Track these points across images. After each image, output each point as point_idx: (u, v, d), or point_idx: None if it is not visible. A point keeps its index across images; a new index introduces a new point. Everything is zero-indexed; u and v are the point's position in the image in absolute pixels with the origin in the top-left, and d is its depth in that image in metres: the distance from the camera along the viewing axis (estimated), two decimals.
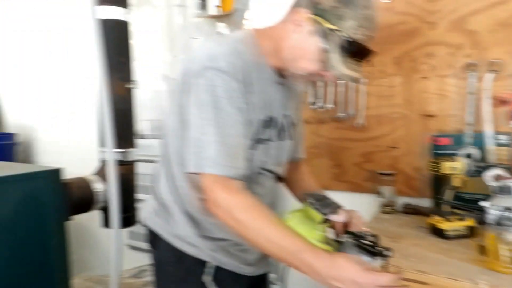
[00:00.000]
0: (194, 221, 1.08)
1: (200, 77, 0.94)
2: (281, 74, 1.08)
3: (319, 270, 0.82)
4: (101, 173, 1.76)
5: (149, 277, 2.07)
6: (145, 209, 1.18)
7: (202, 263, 1.08)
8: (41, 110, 3.28)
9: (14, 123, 3.47)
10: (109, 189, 1.38)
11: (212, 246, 1.08)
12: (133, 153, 1.77)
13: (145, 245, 2.43)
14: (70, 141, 3.01)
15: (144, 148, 2.08)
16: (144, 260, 2.49)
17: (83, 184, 1.64)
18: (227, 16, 2.01)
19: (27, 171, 1.31)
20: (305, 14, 0.96)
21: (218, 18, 2.04)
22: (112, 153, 1.39)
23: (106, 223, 1.75)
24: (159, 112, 2.27)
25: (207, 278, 1.08)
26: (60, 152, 3.09)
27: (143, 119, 2.24)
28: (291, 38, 0.99)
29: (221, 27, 2.04)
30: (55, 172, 1.33)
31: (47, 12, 3.06)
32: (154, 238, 1.14)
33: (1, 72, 3.56)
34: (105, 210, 1.75)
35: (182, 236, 1.08)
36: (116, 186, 1.39)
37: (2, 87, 3.55)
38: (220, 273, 1.09)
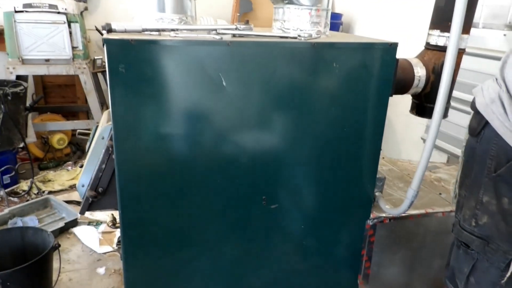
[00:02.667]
0: None
1: None
2: None
3: None
4: (423, 57, 1.70)
5: (442, 174, 2.02)
6: (482, 94, 1.07)
7: None
8: None
9: (339, 5, 3.76)
10: (443, 72, 1.31)
11: None
12: (466, 41, 1.59)
13: (440, 143, 2.35)
14: (387, 25, 3.02)
15: (471, 38, 1.84)
16: (438, 158, 2.46)
17: (406, 66, 1.63)
18: None
19: (368, 41, 1.40)
20: None
21: None
22: (456, 39, 1.27)
23: (418, 110, 1.75)
24: None
25: None
26: (375, 35, 3.19)
27: (480, 4, 1.93)
28: None
29: None
30: (392, 46, 1.36)
31: None
32: (480, 126, 1.07)
33: None
34: (418, 97, 1.74)
35: None
36: (449, 74, 1.29)
37: None
38: None
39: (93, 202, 1.46)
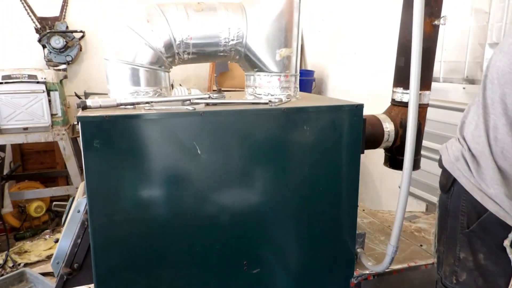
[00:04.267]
0: (507, 180, 0.95)
1: None
2: None
3: None
4: (390, 112, 1.79)
5: (421, 224, 2.04)
6: (447, 152, 1.12)
7: (505, 227, 0.98)
8: (332, 50, 3.57)
9: (311, 62, 3.95)
10: (407, 131, 1.37)
11: None
12: (427, 96, 1.69)
13: (417, 191, 2.40)
14: (356, 80, 3.17)
15: (434, 92, 1.95)
16: (416, 206, 2.49)
17: (375, 122, 1.71)
18: None
19: (335, 104, 1.46)
20: None
21: None
22: (415, 95, 1.35)
23: (391, 162, 1.80)
24: (462, 54, 2.03)
25: (508, 244, 0.98)
26: (346, 90, 3.33)
27: (439, 60, 2.07)
28: None
29: None
30: (358, 107, 1.43)
31: None
32: (449, 183, 1.10)
33: (302, 21, 4.04)
34: (389, 150, 1.80)
35: (488, 192, 0.98)
36: (414, 128, 1.36)
37: (305, 33, 4.03)
38: None
39: (68, 279, 1.41)
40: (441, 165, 1.15)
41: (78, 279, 1.43)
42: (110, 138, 1.21)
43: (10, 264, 2.95)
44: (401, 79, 1.69)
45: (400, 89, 1.69)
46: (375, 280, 1.60)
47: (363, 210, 2.22)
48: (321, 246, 1.53)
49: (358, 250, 1.61)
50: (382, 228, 1.95)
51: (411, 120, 1.38)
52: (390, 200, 2.89)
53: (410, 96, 1.37)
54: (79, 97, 3.79)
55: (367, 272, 1.58)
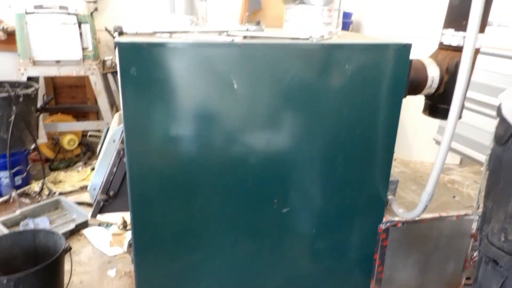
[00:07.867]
0: None
1: None
2: None
3: None
4: (436, 57, 1.67)
5: (455, 176, 1.99)
6: (510, 100, 1.02)
7: None
8: None
9: (350, 3, 3.72)
10: (459, 77, 1.28)
11: None
12: (481, 40, 1.56)
13: (452, 144, 2.31)
14: (397, 25, 2.98)
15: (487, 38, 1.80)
16: (450, 159, 2.42)
17: (418, 66, 1.61)
18: None
19: (381, 42, 1.37)
20: None
21: None
22: (474, 35, 1.24)
23: (430, 110, 1.72)
24: None
25: None
26: (385, 36, 3.15)
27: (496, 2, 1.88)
28: None
29: None
30: (406, 47, 1.34)
31: None
32: (507, 134, 1.01)
33: None
34: (431, 97, 1.71)
35: None
36: (466, 75, 1.26)
37: None
38: None
39: (104, 205, 1.46)
40: (500, 113, 1.05)
41: (114, 206, 1.48)
42: (147, 65, 1.18)
43: (46, 192, 3.11)
44: (454, 19, 1.55)
45: (450, 31, 1.56)
46: (404, 227, 1.59)
47: (395, 159, 2.16)
48: (353, 189, 1.51)
49: (389, 196, 1.59)
50: (414, 178, 1.91)
51: (465, 63, 1.28)
52: (422, 152, 2.81)
53: (467, 36, 1.26)
54: (109, 31, 3.75)
55: (397, 219, 1.57)
